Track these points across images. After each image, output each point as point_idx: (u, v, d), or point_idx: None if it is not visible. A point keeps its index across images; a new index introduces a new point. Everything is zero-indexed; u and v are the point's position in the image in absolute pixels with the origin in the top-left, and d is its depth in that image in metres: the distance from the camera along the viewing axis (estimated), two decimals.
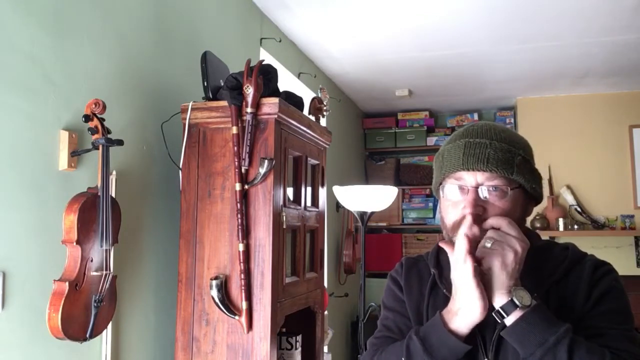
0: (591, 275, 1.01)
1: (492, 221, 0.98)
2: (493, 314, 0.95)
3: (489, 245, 0.95)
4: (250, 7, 2.76)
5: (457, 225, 1.00)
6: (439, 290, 1.09)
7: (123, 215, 1.56)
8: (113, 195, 1.58)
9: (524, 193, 1.04)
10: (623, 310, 1.00)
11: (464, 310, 0.95)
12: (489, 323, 0.98)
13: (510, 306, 0.93)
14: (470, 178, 1.01)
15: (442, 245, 1.02)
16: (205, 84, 1.75)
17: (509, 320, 0.93)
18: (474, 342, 0.99)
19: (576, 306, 0.99)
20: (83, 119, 1.43)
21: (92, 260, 1.42)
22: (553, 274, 1.03)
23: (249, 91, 1.63)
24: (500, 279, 0.93)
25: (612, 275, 1.03)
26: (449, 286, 1.04)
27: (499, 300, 0.94)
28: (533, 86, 4.47)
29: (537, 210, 4.56)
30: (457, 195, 1.03)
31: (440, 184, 1.08)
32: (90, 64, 1.58)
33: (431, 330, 0.99)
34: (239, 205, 1.64)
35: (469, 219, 0.97)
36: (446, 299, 1.03)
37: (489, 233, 0.96)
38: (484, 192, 1.00)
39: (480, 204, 1.00)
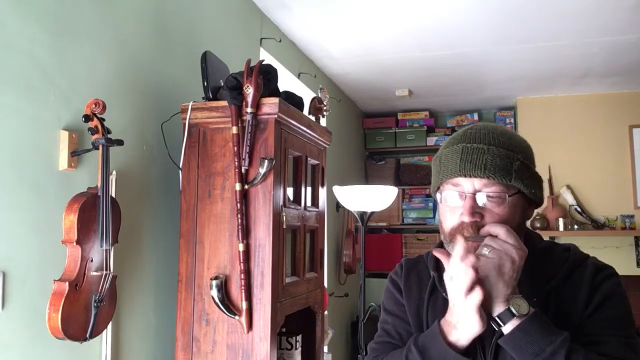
0: (592, 280, 1.00)
1: (489, 228, 0.96)
2: (490, 322, 0.94)
3: (486, 252, 0.94)
4: (250, 7, 2.76)
5: (455, 231, 0.99)
6: (439, 293, 1.08)
7: (123, 215, 1.56)
8: (113, 195, 1.58)
9: (523, 198, 1.02)
10: (623, 316, 0.98)
11: (461, 325, 0.94)
12: (487, 330, 0.96)
13: (507, 315, 0.92)
14: (467, 184, 0.99)
15: (437, 254, 0.99)
16: (205, 84, 1.75)
17: (506, 329, 0.92)
18: (473, 350, 0.98)
19: (576, 311, 0.98)
20: (83, 119, 1.43)
21: (92, 260, 1.42)
22: (554, 277, 1.02)
23: (249, 91, 1.63)
24: (497, 287, 0.92)
25: (613, 279, 1.01)
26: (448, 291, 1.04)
27: (496, 308, 0.93)
28: (533, 86, 4.47)
29: (537, 210, 4.54)
30: (455, 200, 1.01)
31: (438, 188, 1.07)
32: (90, 64, 1.58)
33: (430, 342, 0.97)
34: (239, 205, 1.64)
35: (461, 244, 0.93)
36: (445, 302, 1.02)
37: (486, 240, 0.95)
38: (482, 199, 0.99)
39: (477, 210, 0.98)
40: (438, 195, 1.07)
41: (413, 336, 1.02)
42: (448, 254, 0.97)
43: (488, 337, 0.99)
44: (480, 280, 0.92)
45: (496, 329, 0.94)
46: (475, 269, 0.92)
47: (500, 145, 1.00)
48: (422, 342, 0.99)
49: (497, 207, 0.98)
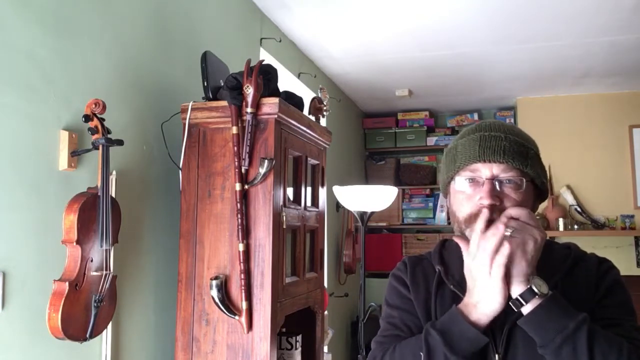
0: (596, 270, 1.04)
1: (512, 211, 0.99)
2: (510, 302, 0.94)
3: (508, 233, 0.96)
4: (250, 7, 2.76)
5: (473, 217, 1.01)
6: (446, 286, 1.09)
7: (123, 215, 1.56)
8: (113, 195, 1.58)
9: (534, 187, 1.06)
10: (629, 304, 1.02)
11: (483, 303, 0.95)
12: (498, 320, 0.98)
13: (528, 294, 0.93)
14: (485, 170, 1.02)
15: (456, 240, 1.02)
16: (205, 84, 1.75)
17: (527, 309, 0.93)
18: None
19: (584, 299, 1.00)
20: (83, 119, 1.43)
21: (92, 260, 1.42)
22: (558, 270, 1.04)
23: (249, 91, 1.63)
24: (520, 266, 0.94)
25: (615, 270, 1.05)
26: (455, 282, 1.06)
27: (517, 288, 0.94)
28: (533, 86, 4.47)
29: (537, 210, 4.55)
30: (474, 187, 1.04)
31: (453, 177, 1.08)
32: (90, 64, 1.58)
33: (450, 324, 0.98)
34: (239, 205, 1.64)
35: (485, 213, 0.97)
36: (453, 295, 1.04)
37: (509, 223, 0.97)
38: (498, 184, 1.02)
39: (496, 194, 1.01)
40: (452, 185, 1.09)
41: (429, 322, 1.02)
42: (467, 240, 0.99)
43: (499, 327, 1.00)
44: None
45: (516, 310, 0.95)
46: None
47: (515, 135, 1.05)
48: (440, 325, 0.99)
49: (514, 192, 1.01)
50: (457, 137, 1.12)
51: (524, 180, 1.02)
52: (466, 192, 1.04)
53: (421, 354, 0.98)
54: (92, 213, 1.43)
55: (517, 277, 0.94)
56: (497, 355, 1.00)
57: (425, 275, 1.14)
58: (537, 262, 0.96)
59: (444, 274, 1.10)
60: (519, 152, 1.02)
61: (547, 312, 0.92)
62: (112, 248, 1.48)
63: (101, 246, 1.43)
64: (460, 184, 1.06)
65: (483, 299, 0.95)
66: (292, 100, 1.86)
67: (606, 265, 1.05)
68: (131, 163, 1.75)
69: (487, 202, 0.99)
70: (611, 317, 0.98)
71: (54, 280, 1.37)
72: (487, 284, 0.95)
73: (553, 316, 0.92)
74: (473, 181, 1.03)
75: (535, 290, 0.92)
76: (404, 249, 5.12)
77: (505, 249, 0.93)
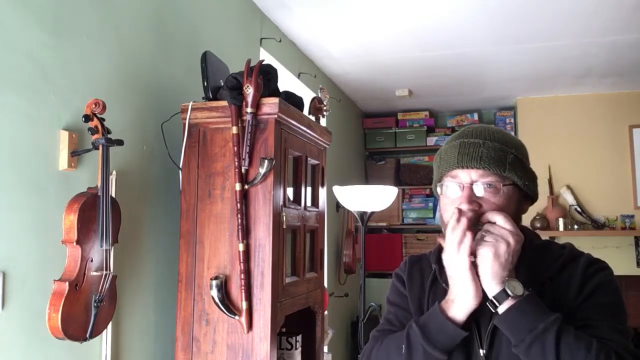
0: (584, 271, 1.05)
1: (488, 215, 1.02)
2: (487, 303, 0.98)
3: (486, 238, 1.00)
4: (250, 7, 2.76)
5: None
6: (439, 284, 1.13)
7: (123, 215, 1.56)
8: (113, 195, 1.58)
9: (517, 190, 1.08)
10: (614, 304, 1.03)
11: (459, 299, 1.00)
12: (484, 315, 1.02)
13: (502, 295, 0.97)
14: (465, 176, 1.06)
15: (439, 240, 1.07)
16: (205, 84, 1.75)
17: (501, 309, 0.97)
18: (470, 334, 1.03)
19: (568, 300, 1.03)
20: (83, 119, 1.43)
21: (92, 260, 1.42)
22: (548, 270, 1.06)
23: (249, 91, 1.63)
24: (494, 269, 0.97)
25: (605, 271, 1.06)
26: (448, 281, 1.08)
27: (493, 290, 0.98)
28: (533, 86, 4.47)
29: (537, 210, 4.56)
30: (454, 192, 1.08)
31: (439, 182, 1.13)
32: (90, 64, 1.58)
33: (430, 319, 1.03)
34: (239, 205, 1.64)
35: (455, 212, 1.01)
36: (445, 293, 1.07)
37: (485, 226, 1.01)
38: (478, 189, 1.05)
39: (475, 199, 1.05)
40: (439, 189, 1.13)
41: (414, 317, 1.08)
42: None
43: (485, 323, 1.04)
44: (475, 255, 0.99)
45: (492, 310, 0.99)
46: (473, 251, 0.99)
47: (495, 140, 1.08)
48: (422, 320, 1.04)
49: (493, 196, 1.05)
50: (445, 142, 1.17)
51: (502, 184, 1.05)
52: (450, 197, 1.09)
53: (403, 346, 1.03)
54: (92, 213, 1.43)
55: (492, 279, 0.98)
56: (481, 351, 1.04)
57: (422, 273, 1.19)
58: (513, 264, 0.99)
59: (438, 272, 1.14)
60: (497, 157, 1.05)
61: (519, 313, 0.96)
62: (112, 248, 1.48)
63: (101, 246, 1.43)
64: (443, 189, 1.11)
65: (459, 295, 1.00)
66: (292, 100, 1.86)
67: (595, 267, 1.06)
68: (131, 163, 1.75)
69: (464, 207, 1.03)
70: (591, 318, 1.00)
71: (54, 280, 1.37)
72: (458, 276, 1.00)
73: (525, 317, 0.95)
74: (455, 185, 1.07)
75: (509, 292, 0.96)
76: (404, 249, 5.12)
77: (467, 239, 0.98)
